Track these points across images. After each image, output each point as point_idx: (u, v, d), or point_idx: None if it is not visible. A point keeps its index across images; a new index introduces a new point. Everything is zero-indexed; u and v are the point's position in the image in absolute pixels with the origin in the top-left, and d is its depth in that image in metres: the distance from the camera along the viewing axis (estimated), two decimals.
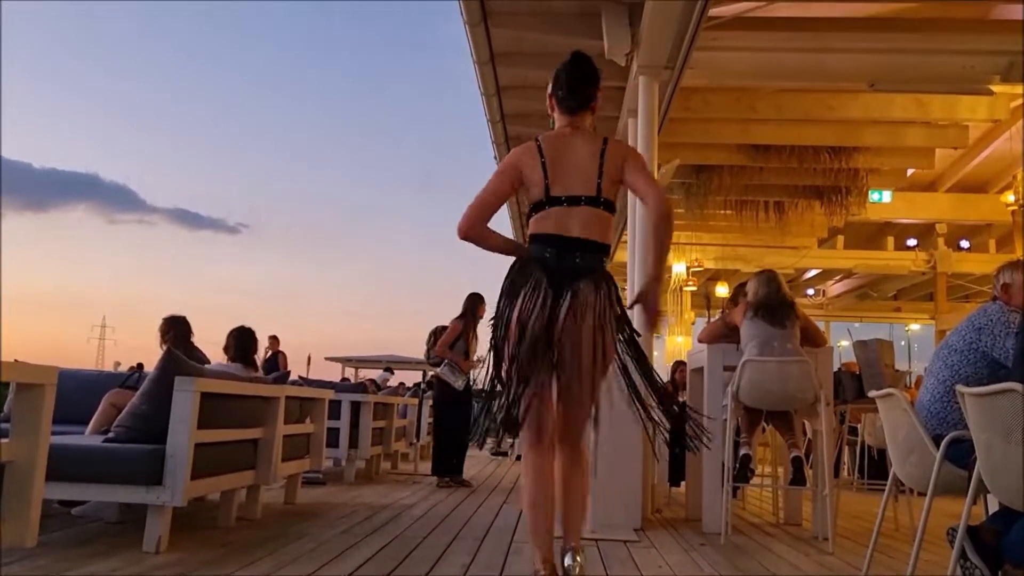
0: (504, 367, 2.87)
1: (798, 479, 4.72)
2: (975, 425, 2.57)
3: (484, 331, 6.64)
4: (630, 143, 6.77)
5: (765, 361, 4.59)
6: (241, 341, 5.00)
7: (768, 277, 4.85)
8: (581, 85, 3.03)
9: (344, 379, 19.62)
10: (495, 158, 9.66)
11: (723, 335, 5.03)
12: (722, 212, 11.32)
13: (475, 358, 7.31)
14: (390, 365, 17.06)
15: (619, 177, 2.93)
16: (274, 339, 14.23)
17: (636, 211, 6.13)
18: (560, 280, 2.81)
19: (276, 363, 13.33)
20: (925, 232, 14.99)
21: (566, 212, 2.86)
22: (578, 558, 2.75)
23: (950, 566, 2.69)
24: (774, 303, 4.70)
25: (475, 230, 2.89)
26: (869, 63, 6.49)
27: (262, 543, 3.90)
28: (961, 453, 2.80)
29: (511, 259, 2.96)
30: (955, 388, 2.86)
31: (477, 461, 10.23)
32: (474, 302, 7.38)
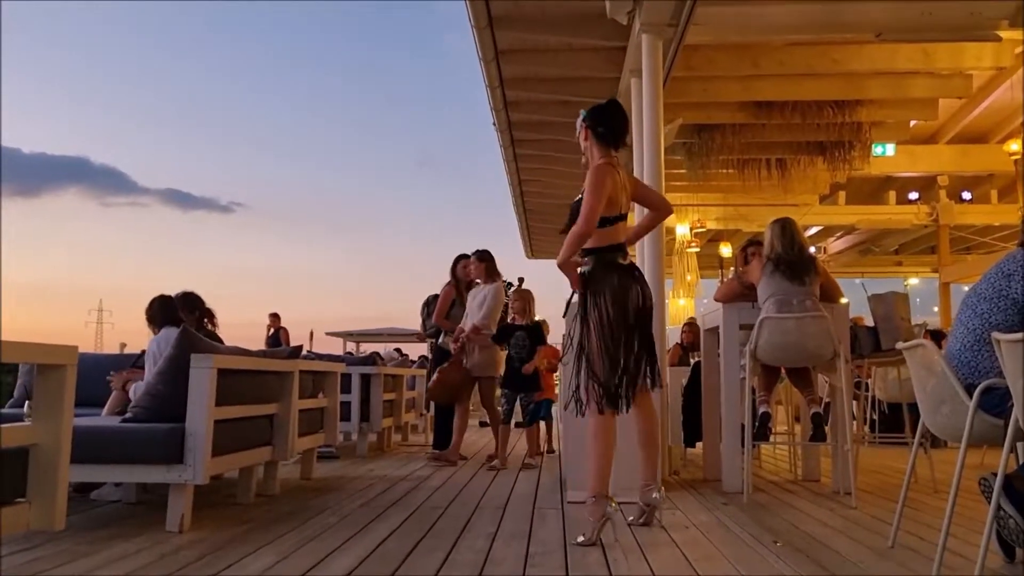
0: (605, 350, 3.56)
1: (818, 435, 4.69)
2: (1012, 372, 2.52)
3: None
4: (633, 104, 6.69)
5: (784, 318, 4.53)
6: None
7: (784, 227, 4.74)
8: (625, 127, 3.84)
9: (348, 353, 19.61)
10: (494, 124, 9.56)
11: (740, 294, 4.96)
12: (724, 171, 11.18)
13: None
14: (399, 347, 17.00)
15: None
16: (275, 316, 14.21)
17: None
18: (640, 280, 3.69)
19: (279, 340, 13.32)
20: (927, 185, 14.90)
21: (623, 226, 3.73)
22: (662, 490, 3.76)
23: (988, 516, 2.65)
24: (795, 258, 4.63)
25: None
26: (876, 12, 6.36)
27: (284, 519, 3.87)
28: (995, 402, 2.75)
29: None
30: (987, 336, 2.82)
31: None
32: (456, 262, 7.11)
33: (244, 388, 4.08)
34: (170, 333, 4.06)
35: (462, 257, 7.07)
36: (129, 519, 3.89)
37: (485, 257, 6.75)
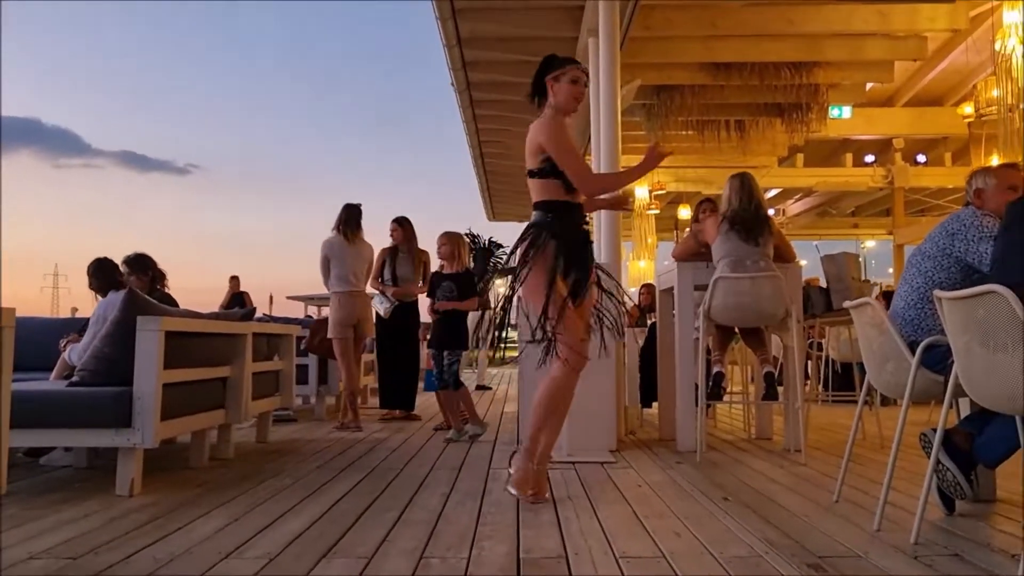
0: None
1: (771, 394, 4.76)
2: (953, 329, 2.57)
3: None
4: (591, 64, 6.65)
5: (738, 278, 4.57)
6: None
7: (743, 181, 4.74)
8: None
9: (308, 316, 19.45)
10: (452, 84, 9.47)
11: (696, 252, 4.98)
12: (683, 133, 11.23)
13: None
14: None
15: None
16: (235, 280, 13.97)
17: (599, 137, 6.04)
18: None
19: (241, 303, 13.13)
20: (883, 148, 15.08)
21: None
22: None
23: (928, 470, 2.71)
24: (750, 217, 4.63)
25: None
26: None
27: (237, 482, 3.85)
28: (937, 358, 2.81)
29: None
30: (930, 294, 2.86)
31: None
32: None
33: (195, 351, 4.03)
34: (116, 297, 3.99)
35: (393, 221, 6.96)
36: (79, 484, 3.84)
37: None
